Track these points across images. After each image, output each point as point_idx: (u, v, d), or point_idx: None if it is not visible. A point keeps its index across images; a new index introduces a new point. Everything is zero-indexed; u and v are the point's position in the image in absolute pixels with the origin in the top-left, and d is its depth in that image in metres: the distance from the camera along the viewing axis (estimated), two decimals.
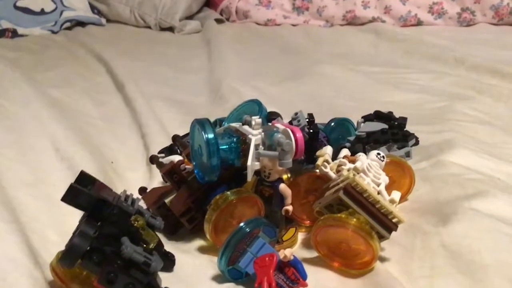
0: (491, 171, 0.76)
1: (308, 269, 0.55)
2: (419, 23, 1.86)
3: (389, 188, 0.65)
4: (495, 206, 0.65)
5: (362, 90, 1.22)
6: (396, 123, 0.81)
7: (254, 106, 0.76)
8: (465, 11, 1.83)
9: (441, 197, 0.69)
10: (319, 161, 0.62)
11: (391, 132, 0.78)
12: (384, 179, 0.62)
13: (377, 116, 0.84)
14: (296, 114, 0.72)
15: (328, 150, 0.65)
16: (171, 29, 1.89)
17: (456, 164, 0.77)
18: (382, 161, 0.63)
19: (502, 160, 0.80)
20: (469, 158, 0.79)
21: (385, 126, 0.79)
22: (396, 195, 0.60)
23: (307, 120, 0.71)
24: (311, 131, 0.71)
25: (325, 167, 0.62)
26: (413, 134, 0.78)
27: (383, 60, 1.45)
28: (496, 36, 1.64)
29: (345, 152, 0.67)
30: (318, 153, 0.63)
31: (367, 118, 0.84)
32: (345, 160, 0.63)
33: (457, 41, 1.57)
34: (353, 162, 0.62)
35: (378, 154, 0.63)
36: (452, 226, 0.62)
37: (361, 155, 0.64)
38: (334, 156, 0.67)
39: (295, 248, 0.63)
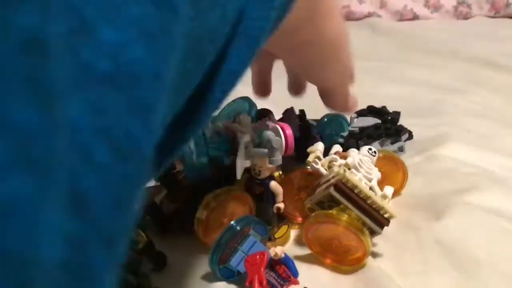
0: (486, 164, 0.75)
1: (300, 266, 0.54)
2: (415, 17, 1.86)
3: (382, 183, 0.64)
4: (488, 199, 0.64)
5: (358, 84, 1.20)
6: (389, 117, 0.80)
7: (244, 104, 0.76)
8: (461, 4, 1.82)
9: (434, 192, 0.68)
10: (310, 158, 0.61)
11: (384, 127, 0.77)
12: (376, 175, 0.61)
13: (370, 111, 0.83)
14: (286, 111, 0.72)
15: (319, 146, 0.64)
16: None
17: (450, 158, 0.76)
18: (374, 156, 0.62)
19: (497, 152, 0.79)
20: (463, 151, 0.78)
21: (378, 121, 0.78)
22: (388, 190, 0.60)
23: (299, 116, 0.71)
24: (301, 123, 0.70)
25: (316, 163, 0.61)
26: (406, 128, 0.78)
27: (380, 55, 1.44)
28: (493, 29, 1.64)
29: (336, 148, 0.66)
30: (309, 149, 0.63)
31: (360, 113, 0.83)
32: (336, 156, 0.62)
33: (453, 34, 1.57)
34: (344, 158, 0.62)
35: (370, 149, 0.63)
36: (445, 221, 0.61)
37: (352, 151, 0.63)
38: (327, 153, 0.66)
39: (287, 246, 0.63)
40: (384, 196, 0.58)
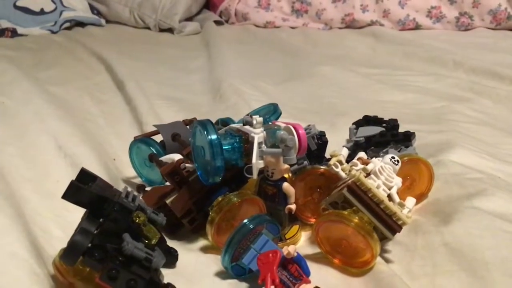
0: (492, 171, 0.76)
1: (311, 266, 0.55)
2: (417, 27, 1.87)
3: (410, 187, 0.68)
4: (495, 204, 0.65)
5: (361, 90, 1.23)
6: (389, 125, 0.81)
7: (270, 107, 0.77)
8: (463, 16, 1.84)
9: (442, 196, 0.69)
10: (332, 161, 0.62)
11: (390, 134, 0.78)
12: (396, 183, 0.61)
13: (367, 120, 0.85)
14: (308, 125, 0.71)
15: (343, 151, 0.66)
16: (170, 30, 1.89)
17: (457, 164, 0.77)
18: (396, 165, 0.63)
19: (502, 160, 0.80)
20: (469, 158, 0.79)
21: (381, 129, 0.80)
22: (410, 201, 0.61)
23: (318, 136, 0.71)
24: (320, 142, 0.71)
25: (337, 166, 0.62)
26: (413, 133, 0.79)
27: (382, 63, 1.46)
28: (494, 41, 1.65)
29: (361, 154, 0.67)
30: (331, 153, 0.64)
31: (358, 124, 0.84)
32: (357, 162, 0.63)
33: (455, 44, 1.58)
34: (366, 164, 0.63)
35: (393, 158, 0.63)
36: (453, 225, 0.62)
37: (375, 158, 0.64)
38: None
39: (299, 245, 0.63)
40: (401, 205, 0.59)
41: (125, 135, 0.91)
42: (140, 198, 0.59)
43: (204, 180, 0.62)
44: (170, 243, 0.61)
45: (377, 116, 0.86)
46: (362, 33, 1.80)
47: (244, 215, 0.61)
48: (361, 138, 0.78)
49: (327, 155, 0.71)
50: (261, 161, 0.60)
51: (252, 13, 1.97)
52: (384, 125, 0.82)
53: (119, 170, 0.82)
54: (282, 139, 0.57)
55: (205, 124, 0.60)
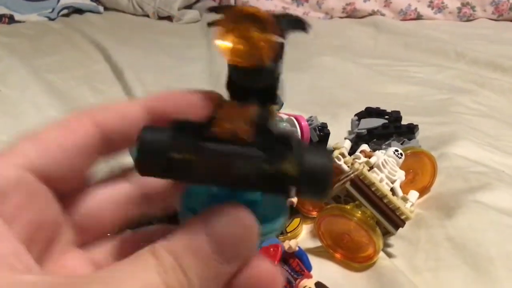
0: (495, 164, 0.75)
1: (313, 260, 0.54)
2: (418, 17, 1.85)
3: (413, 181, 0.66)
4: (499, 198, 0.65)
5: (362, 81, 1.21)
6: (391, 117, 0.80)
7: None
8: (465, 6, 1.82)
9: (445, 190, 0.69)
10: (334, 154, 0.61)
11: (393, 126, 0.77)
12: (399, 176, 0.60)
13: (369, 112, 0.83)
14: (310, 117, 0.70)
15: (346, 144, 0.65)
16: (169, 18, 1.87)
17: (460, 157, 0.76)
18: (400, 158, 0.62)
19: (505, 153, 0.80)
20: (473, 151, 0.78)
21: (384, 121, 0.78)
22: (413, 195, 0.60)
23: (320, 127, 0.70)
24: (321, 133, 0.70)
25: (339, 159, 0.61)
26: (417, 125, 0.77)
27: (383, 53, 1.44)
28: (496, 32, 1.64)
29: (363, 147, 0.66)
30: (334, 145, 0.63)
31: (360, 116, 0.83)
32: (360, 154, 0.62)
33: (457, 35, 1.57)
34: (370, 157, 0.62)
35: (396, 151, 0.62)
36: (456, 219, 0.61)
37: (378, 151, 0.63)
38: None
39: (300, 239, 0.63)
40: (404, 199, 0.58)
41: None
42: None
43: None
44: None
45: (379, 107, 0.85)
46: (363, 23, 1.78)
47: None
48: (363, 130, 0.77)
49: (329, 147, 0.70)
50: None
51: (252, 1, 1.95)
52: (386, 117, 0.81)
53: (117, 159, 0.81)
54: None
55: None
